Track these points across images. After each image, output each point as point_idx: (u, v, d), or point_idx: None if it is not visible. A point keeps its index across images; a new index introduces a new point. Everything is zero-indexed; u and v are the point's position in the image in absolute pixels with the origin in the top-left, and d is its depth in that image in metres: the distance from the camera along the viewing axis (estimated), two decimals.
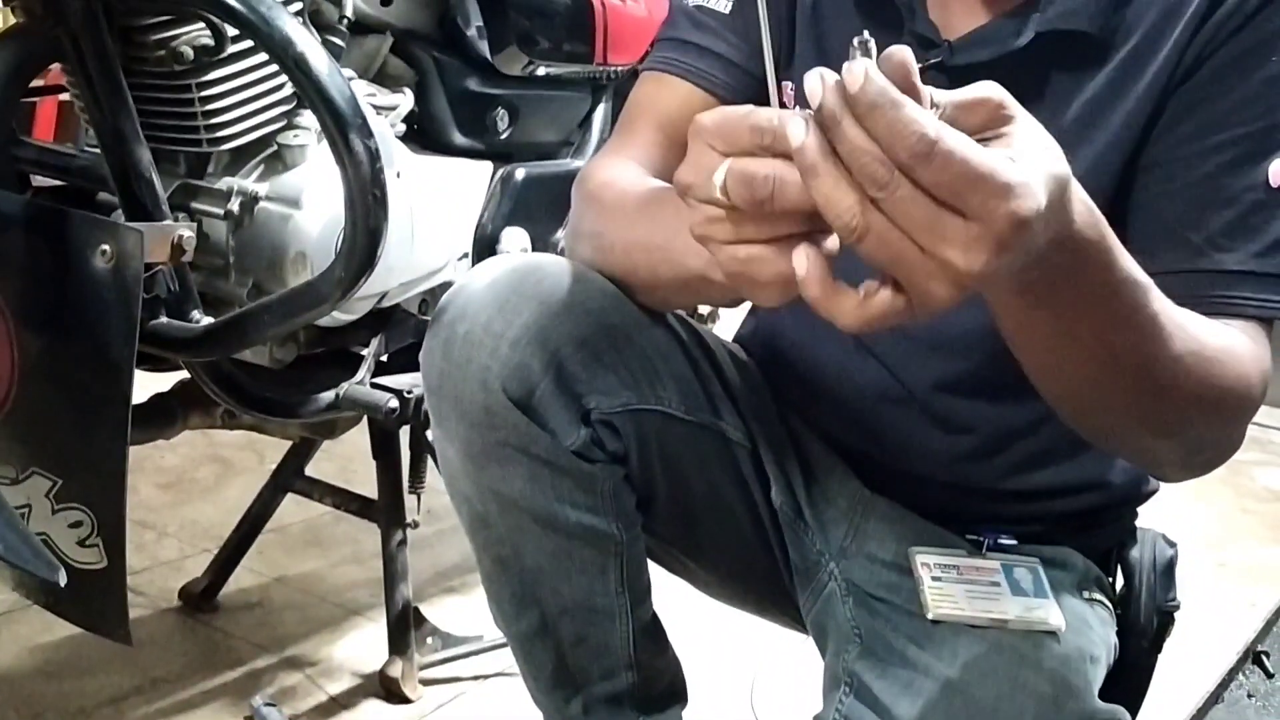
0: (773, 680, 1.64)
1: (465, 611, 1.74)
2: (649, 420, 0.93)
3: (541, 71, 1.64)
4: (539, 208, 1.56)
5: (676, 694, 1.05)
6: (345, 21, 1.38)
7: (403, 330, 1.50)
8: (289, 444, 1.71)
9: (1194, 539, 2.21)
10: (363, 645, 1.65)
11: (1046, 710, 0.83)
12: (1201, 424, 0.79)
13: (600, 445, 0.91)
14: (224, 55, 1.23)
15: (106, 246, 1.01)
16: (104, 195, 1.31)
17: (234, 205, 1.27)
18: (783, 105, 0.58)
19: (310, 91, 1.13)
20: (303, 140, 1.30)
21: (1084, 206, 0.62)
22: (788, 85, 0.93)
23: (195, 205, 1.28)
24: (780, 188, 0.56)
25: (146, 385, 1.30)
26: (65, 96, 1.40)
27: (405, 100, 1.46)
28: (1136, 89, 0.85)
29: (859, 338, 0.98)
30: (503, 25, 1.56)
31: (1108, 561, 1.03)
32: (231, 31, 1.22)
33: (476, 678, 1.60)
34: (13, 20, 1.26)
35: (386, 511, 1.58)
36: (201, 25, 1.21)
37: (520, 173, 1.55)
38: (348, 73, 1.29)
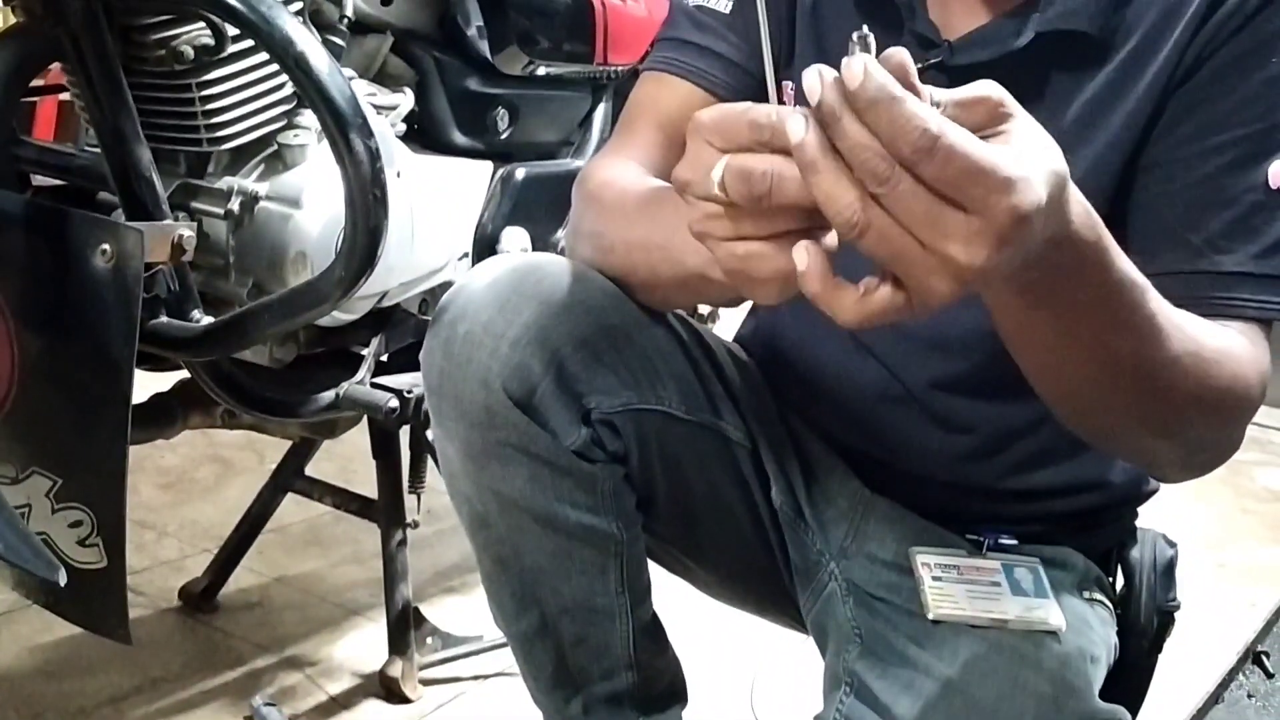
0: (773, 680, 1.64)
1: (465, 611, 1.74)
2: (649, 420, 0.93)
3: (542, 71, 1.64)
4: (539, 208, 1.56)
5: (676, 694, 1.05)
6: (345, 21, 1.38)
7: (403, 330, 1.50)
8: (289, 444, 1.71)
9: (1194, 539, 2.21)
10: (363, 645, 1.65)
11: (1047, 710, 0.83)
12: (1200, 424, 0.79)
13: (600, 445, 0.91)
14: (224, 55, 1.23)
15: (107, 246, 1.01)
16: (104, 195, 1.31)
17: (234, 205, 1.27)
18: (782, 104, 0.58)
19: (311, 91, 1.13)
20: (303, 140, 1.30)
21: (1081, 207, 0.62)
22: (788, 85, 0.94)
23: (195, 205, 1.28)
24: (778, 183, 0.56)
25: (146, 385, 1.30)
26: (65, 96, 1.40)
27: (405, 100, 1.46)
28: (1136, 89, 0.85)
29: (859, 337, 0.98)
30: (503, 25, 1.56)
31: (1108, 561, 1.03)
32: (232, 31, 1.22)
33: (476, 678, 1.60)
34: (13, 20, 1.26)
35: (386, 511, 1.58)
36: (202, 25, 1.21)
37: (520, 172, 1.55)
38: (348, 72, 1.29)
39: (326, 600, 1.78)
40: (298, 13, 1.25)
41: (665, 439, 0.94)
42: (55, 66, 1.26)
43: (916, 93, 0.53)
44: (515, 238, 1.53)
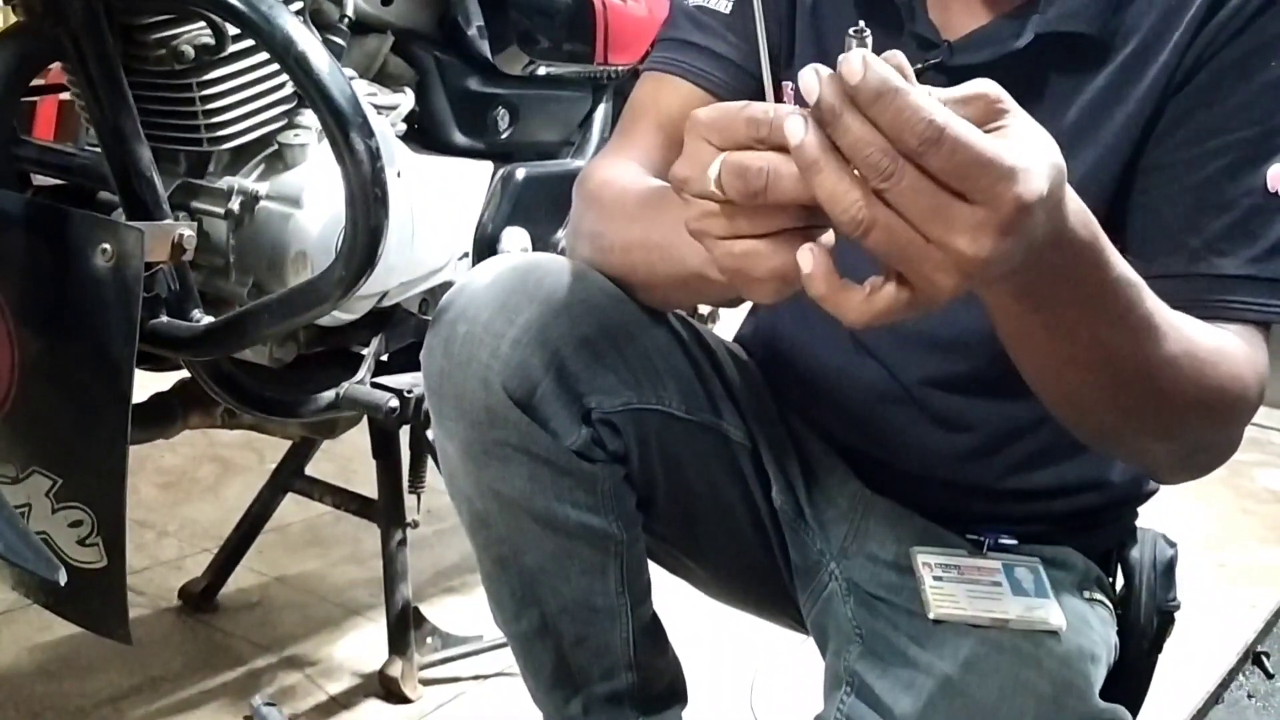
0: (772, 680, 1.64)
1: (465, 611, 1.74)
2: (650, 420, 0.93)
3: (542, 71, 1.64)
4: (539, 207, 1.56)
5: (676, 694, 1.05)
6: (346, 21, 1.38)
7: (403, 330, 1.50)
8: (289, 444, 1.71)
9: (1194, 540, 2.22)
10: (363, 645, 1.65)
11: (1047, 709, 0.83)
12: (1198, 425, 0.79)
13: (601, 445, 0.91)
14: (225, 54, 1.23)
15: (107, 245, 1.01)
16: (104, 194, 1.31)
17: (234, 204, 1.27)
18: (780, 103, 0.58)
19: (311, 91, 1.13)
20: (303, 139, 1.30)
21: (1077, 205, 0.62)
22: (788, 85, 0.94)
23: (196, 204, 1.28)
24: (774, 180, 0.56)
25: (146, 385, 1.30)
26: (66, 95, 1.40)
27: (406, 100, 1.46)
28: (1136, 92, 0.85)
29: (859, 337, 0.99)
30: (503, 25, 1.56)
31: (1108, 561, 1.03)
32: (232, 31, 1.22)
33: (476, 678, 1.60)
34: (13, 19, 1.26)
35: (386, 511, 1.58)
36: (202, 24, 1.21)
37: (521, 172, 1.55)
38: (348, 72, 1.29)
39: (326, 600, 1.78)
40: (298, 12, 1.25)
41: (665, 439, 0.94)
42: (55, 66, 1.26)
43: None
44: (515, 238, 1.53)
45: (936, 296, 0.56)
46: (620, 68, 1.70)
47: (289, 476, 1.71)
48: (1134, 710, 0.97)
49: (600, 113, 1.74)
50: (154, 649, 1.58)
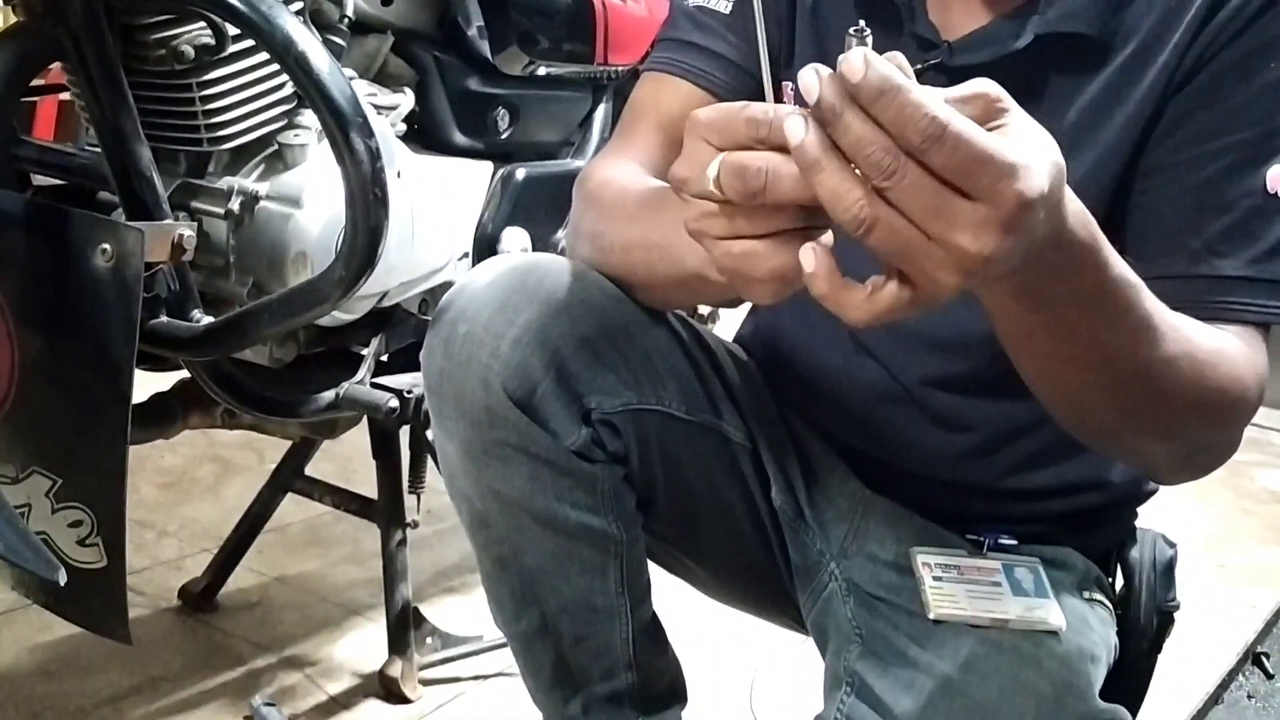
0: (772, 680, 1.64)
1: (465, 611, 1.74)
2: (649, 420, 0.93)
3: (542, 71, 1.64)
4: (539, 208, 1.56)
5: (676, 694, 1.05)
6: (346, 21, 1.38)
7: (403, 330, 1.50)
8: (289, 444, 1.71)
9: (1194, 540, 2.22)
10: (363, 645, 1.65)
11: (1047, 709, 0.84)
12: (1197, 426, 0.79)
13: (601, 445, 0.91)
14: (225, 54, 1.23)
15: (107, 245, 1.01)
16: (104, 194, 1.31)
17: (234, 204, 1.27)
18: (780, 103, 0.58)
19: (311, 91, 1.13)
20: (303, 140, 1.30)
21: (1076, 206, 0.62)
22: (788, 85, 0.94)
23: (195, 204, 1.28)
24: (773, 180, 0.56)
25: (146, 385, 1.30)
26: (65, 95, 1.40)
27: (406, 100, 1.46)
28: (1136, 93, 0.85)
29: (858, 338, 0.99)
30: (504, 25, 1.56)
31: (1107, 562, 1.03)
32: (232, 31, 1.22)
33: (476, 678, 1.60)
34: (13, 19, 1.26)
35: (386, 511, 1.58)
36: (202, 24, 1.21)
37: (521, 173, 1.55)
38: (348, 72, 1.29)
39: (326, 600, 1.78)
40: (298, 12, 1.25)
41: (665, 439, 0.94)
42: (55, 66, 1.26)
43: None
44: (515, 238, 1.53)
45: (938, 295, 0.56)
46: (620, 68, 1.70)
47: (289, 476, 1.71)
48: (1134, 710, 0.97)
49: (600, 113, 1.74)
50: (154, 649, 1.58)
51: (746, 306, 1.11)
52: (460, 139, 1.55)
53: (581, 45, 1.62)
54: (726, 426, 0.99)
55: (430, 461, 1.59)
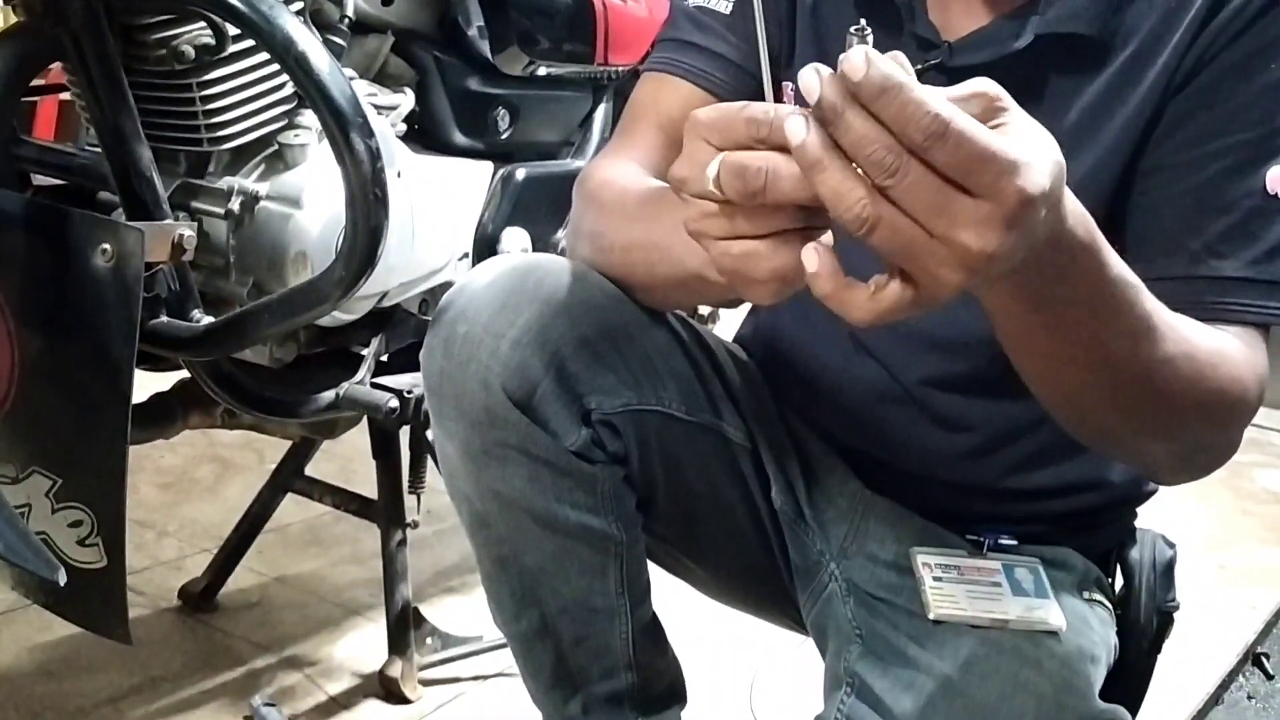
0: (772, 681, 1.64)
1: (465, 611, 1.74)
2: (649, 420, 0.93)
3: (542, 71, 1.64)
4: (539, 208, 1.56)
5: (676, 694, 1.05)
6: (346, 21, 1.38)
7: (403, 330, 1.50)
8: (289, 444, 1.71)
9: (1194, 541, 2.22)
10: (362, 645, 1.65)
11: (1048, 710, 0.83)
12: (1197, 426, 0.79)
13: (600, 445, 0.91)
14: (225, 54, 1.23)
15: (107, 245, 1.01)
16: (104, 194, 1.31)
17: (234, 204, 1.27)
18: (780, 103, 0.58)
19: (311, 91, 1.13)
20: (303, 140, 1.30)
21: (1075, 205, 0.62)
22: (788, 85, 0.94)
23: (196, 204, 1.28)
24: (773, 180, 0.56)
25: (146, 385, 1.30)
26: (66, 95, 1.40)
27: (406, 100, 1.47)
28: (1136, 93, 0.85)
29: (858, 338, 0.99)
30: (504, 25, 1.56)
31: (1107, 562, 1.03)
32: (232, 31, 1.22)
33: (476, 678, 1.60)
34: (13, 19, 1.26)
35: (386, 511, 1.58)
36: (202, 24, 1.21)
37: (521, 173, 1.55)
38: (349, 72, 1.29)
39: (326, 600, 1.78)
40: (298, 12, 1.25)
41: (665, 440, 0.94)
42: (55, 66, 1.26)
43: None
44: (515, 238, 1.53)
45: (940, 293, 0.56)
46: (620, 68, 1.70)
47: (289, 476, 1.71)
48: (1134, 711, 0.97)
49: (600, 113, 1.74)
50: (154, 649, 1.58)
51: (746, 306, 1.11)
52: (460, 139, 1.55)
53: (582, 45, 1.62)
54: (726, 427, 0.99)
55: (430, 461, 1.59)
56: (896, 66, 0.52)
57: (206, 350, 1.25)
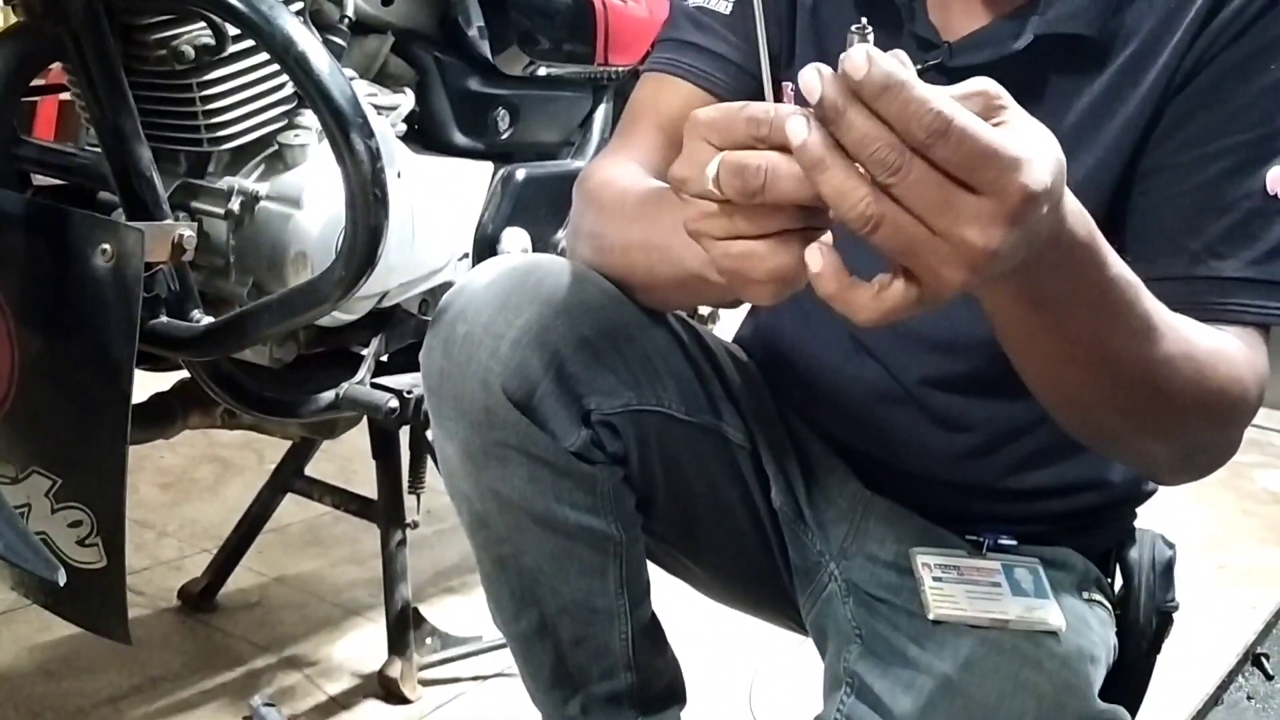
0: (771, 681, 1.64)
1: (465, 611, 1.74)
2: (649, 421, 0.93)
3: (542, 72, 1.64)
4: (539, 208, 1.56)
5: (675, 694, 1.05)
6: (346, 21, 1.38)
7: (403, 330, 1.50)
8: (289, 444, 1.71)
9: (1194, 541, 2.22)
10: (362, 645, 1.65)
11: (1047, 710, 0.83)
12: (1197, 426, 0.79)
13: (600, 446, 0.91)
14: (225, 55, 1.23)
15: (107, 245, 1.01)
16: (104, 194, 1.31)
17: (234, 205, 1.27)
18: (780, 103, 0.58)
19: (311, 91, 1.13)
20: (303, 140, 1.30)
21: (1075, 205, 0.62)
22: (788, 85, 0.94)
23: (196, 204, 1.28)
24: (772, 179, 0.56)
25: (146, 385, 1.30)
26: (66, 95, 1.40)
27: (406, 100, 1.47)
28: (1136, 94, 0.85)
29: (858, 338, 0.99)
30: (504, 25, 1.56)
31: (1106, 562, 1.03)
32: (232, 31, 1.22)
33: (476, 678, 1.60)
34: (13, 19, 1.26)
35: (386, 511, 1.58)
36: (202, 24, 1.21)
37: (521, 173, 1.55)
38: (349, 72, 1.29)
39: (326, 600, 1.78)
40: (298, 13, 1.25)
41: (665, 440, 0.94)
42: (55, 66, 1.26)
43: None
44: (515, 238, 1.54)
45: (943, 291, 0.56)
46: (620, 68, 1.70)
47: (289, 477, 1.71)
48: (1133, 711, 0.97)
49: (600, 113, 1.74)
50: (154, 649, 1.58)
51: (746, 307, 1.11)
52: (460, 139, 1.55)
53: (582, 46, 1.62)
54: (726, 427, 0.99)
55: (430, 462, 1.59)
56: (898, 64, 0.52)
57: (206, 350, 1.25)
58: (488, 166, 1.58)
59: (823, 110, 0.53)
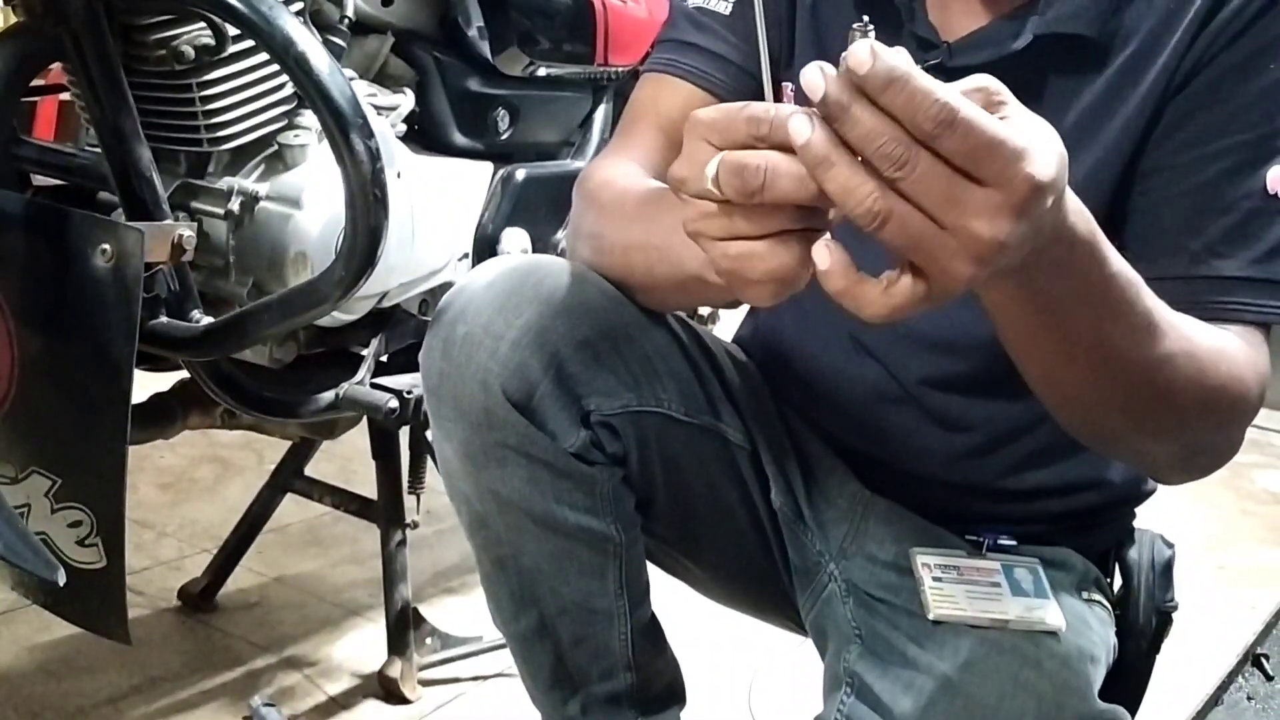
0: (771, 681, 1.64)
1: (465, 612, 1.74)
2: (649, 422, 0.93)
3: (542, 72, 1.64)
4: (539, 208, 1.56)
5: (675, 695, 1.05)
6: (346, 21, 1.38)
7: (403, 330, 1.50)
8: (289, 444, 1.71)
9: (1194, 541, 2.22)
10: (362, 645, 1.65)
11: (1047, 710, 0.83)
12: (1198, 425, 0.79)
13: (600, 447, 0.91)
14: (225, 55, 1.23)
15: (107, 246, 1.01)
16: (104, 194, 1.31)
17: (234, 205, 1.27)
18: (780, 103, 0.58)
19: (311, 91, 1.13)
20: (303, 140, 1.30)
21: (1075, 203, 0.62)
22: (788, 85, 0.94)
23: (195, 205, 1.28)
24: (773, 178, 0.56)
25: (146, 385, 1.30)
26: (66, 96, 1.40)
27: (406, 100, 1.47)
28: (1135, 94, 0.85)
29: (858, 338, 0.99)
30: (504, 25, 1.56)
31: (1106, 562, 1.03)
32: (232, 31, 1.22)
33: (476, 678, 1.60)
34: (13, 19, 1.26)
35: (386, 511, 1.58)
36: (202, 25, 1.21)
37: (521, 173, 1.55)
38: (348, 73, 1.29)
39: (326, 600, 1.78)
40: (298, 13, 1.25)
41: (665, 441, 0.94)
42: (55, 66, 1.26)
43: None
44: (515, 238, 1.54)
45: (951, 286, 0.56)
46: (620, 69, 1.70)
47: (289, 477, 1.71)
48: (1133, 711, 0.97)
49: (600, 114, 1.74)
50: (154, 649, 1.58)
51: (746, 307, 1.11)
52: (460, 139, 1.55)
53: (582, 46, 1.62)
54: (726, 428, 0.99)
55: (430, 462, 1.59)
56: (901, 58, 0.52)
57: (206, 350, 1.25)
58: (487, 167, 1.58)
59: (827, 107, 0.53)
